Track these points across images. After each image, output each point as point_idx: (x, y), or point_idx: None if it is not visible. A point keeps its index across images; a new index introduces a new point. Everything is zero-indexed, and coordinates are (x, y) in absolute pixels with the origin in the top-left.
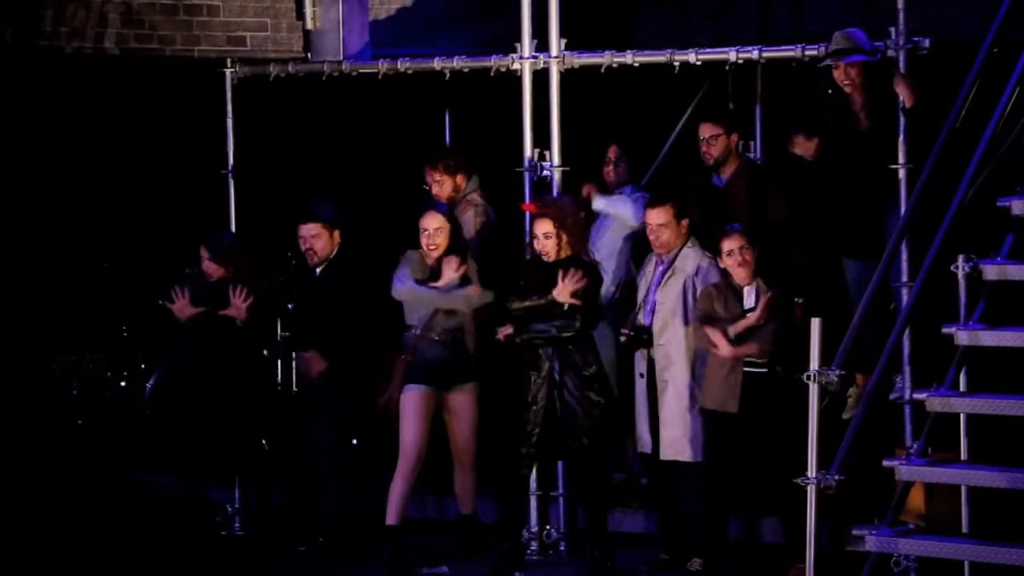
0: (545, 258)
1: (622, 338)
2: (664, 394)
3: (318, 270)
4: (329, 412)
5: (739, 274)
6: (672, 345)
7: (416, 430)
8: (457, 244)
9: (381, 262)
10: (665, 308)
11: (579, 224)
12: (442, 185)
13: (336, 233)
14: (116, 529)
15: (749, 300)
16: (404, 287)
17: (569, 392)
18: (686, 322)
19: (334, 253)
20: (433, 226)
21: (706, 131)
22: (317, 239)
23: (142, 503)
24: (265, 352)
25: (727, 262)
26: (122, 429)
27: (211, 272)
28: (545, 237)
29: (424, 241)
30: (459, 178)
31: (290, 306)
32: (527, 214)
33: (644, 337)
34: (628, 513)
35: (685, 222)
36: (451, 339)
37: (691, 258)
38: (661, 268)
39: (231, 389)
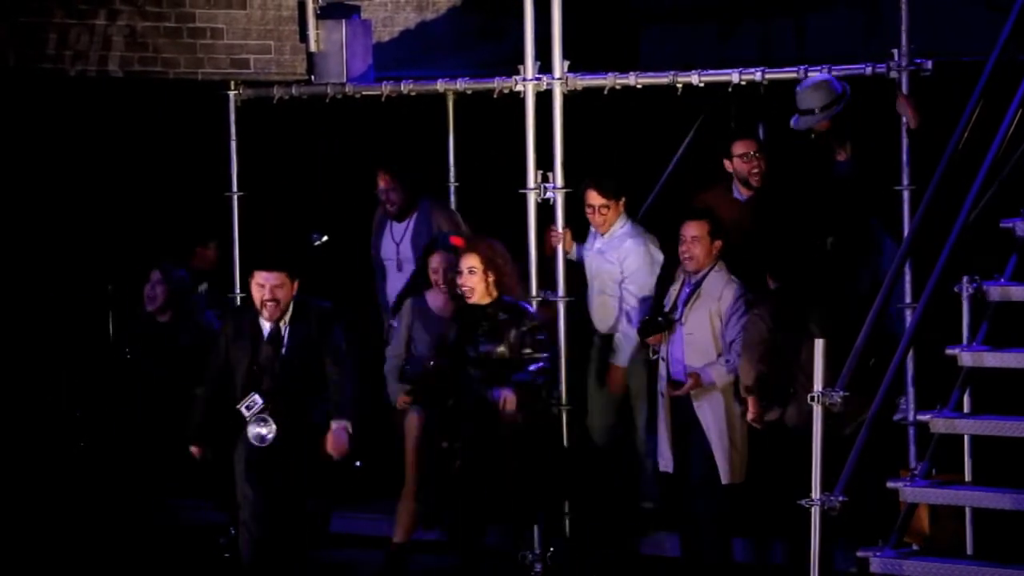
0: (468, 296)
1: (639, 329)
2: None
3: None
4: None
5: None
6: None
7: (416, 451)
8: None
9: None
10: (696, 340)
11: (509, 266)
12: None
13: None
14: (120, 552)
15: None
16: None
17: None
18: (718, 354)
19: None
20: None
21: (746, 147)
22: None
23: (147, 526)
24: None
25: None
26: (126, 452)
27: (156, 299)
28: (470, 272)
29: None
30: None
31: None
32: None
33: (660, 320)
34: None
35: (718, 243)
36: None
37: (717, 282)
38: (687, 289)
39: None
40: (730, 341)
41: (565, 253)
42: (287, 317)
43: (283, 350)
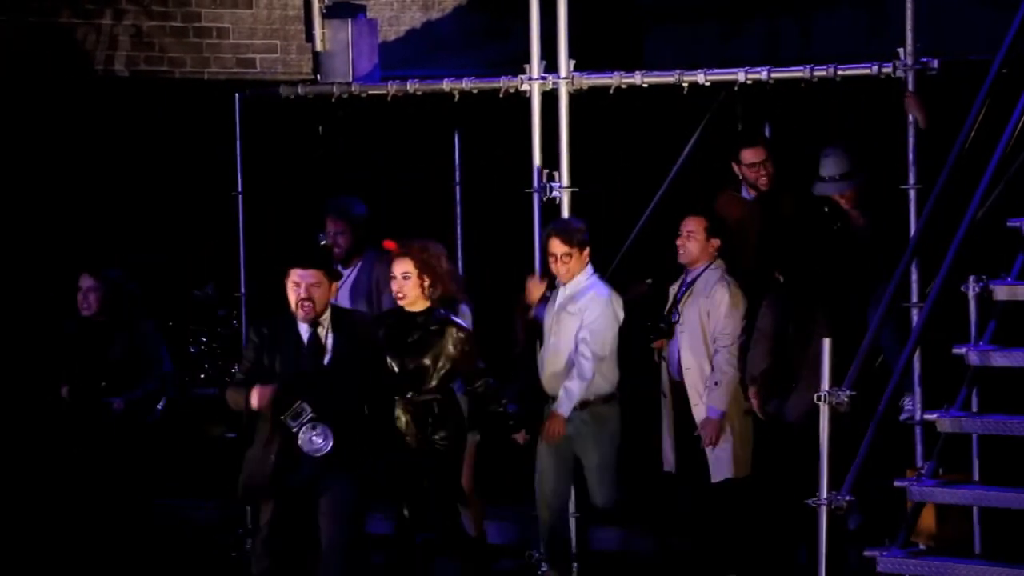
0: (401, 301)
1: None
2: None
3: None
4: None
5: None
6: (694, 374)
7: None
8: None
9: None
10: (688, 337)
11: (444, 270)
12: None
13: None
14: (127, 551)
15: None
16: None
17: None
18: (709, 357)
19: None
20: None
21: (755, 156)
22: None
23: (154, 525)
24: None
25: None
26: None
27: (91, 305)
28: (403, 277)
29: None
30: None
31: None
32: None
33: (662, 326)
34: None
35: (715, 241)
36: None
37: (709, 280)
38: (683, 288)
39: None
40: (714, 339)
41: (528, 307)
42: (327, 323)
43: (326, 359)
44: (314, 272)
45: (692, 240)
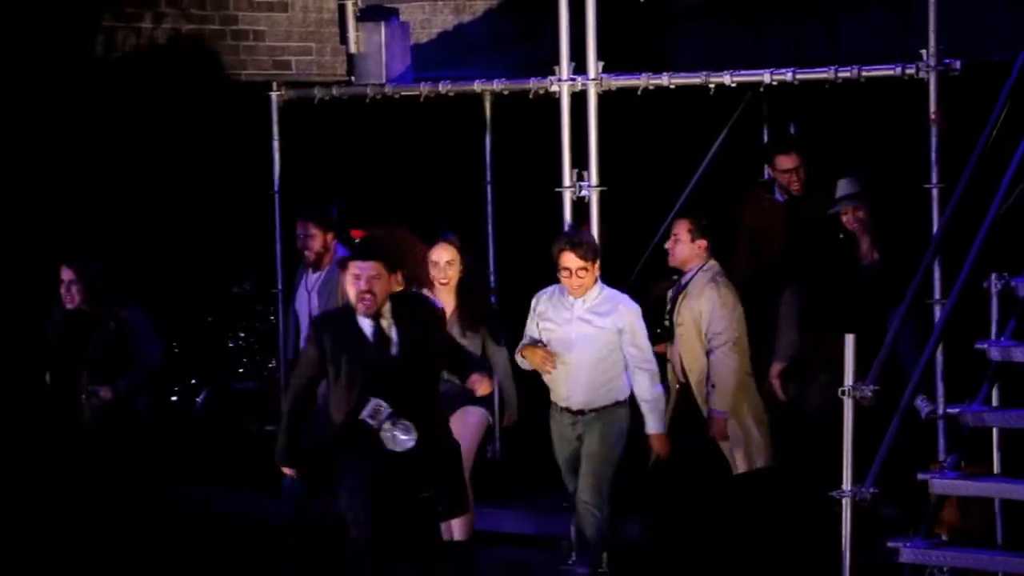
0: None
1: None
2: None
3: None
4: None
5: None
6: (697, 375)
7: None
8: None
9: None
10: (685, 339)
11: (411, 255)
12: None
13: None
14: (166, 543)
15: None
16: None
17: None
18: (707, 354)
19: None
20: (445, 258)
21: (789, 162)
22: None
23: (193, 517)
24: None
25: None
26: (173, 443)
27: (73, 297)
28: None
29: (435, 275)
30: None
31: None
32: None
33: (658, 332)
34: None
35: (702, 242)
36: None
37: (700, 281)
38: (679, 291)
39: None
40: (708, 339)
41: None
42: (388, 314)
43: (393, 351)
44: (374, 264)
45: (678, 243)
